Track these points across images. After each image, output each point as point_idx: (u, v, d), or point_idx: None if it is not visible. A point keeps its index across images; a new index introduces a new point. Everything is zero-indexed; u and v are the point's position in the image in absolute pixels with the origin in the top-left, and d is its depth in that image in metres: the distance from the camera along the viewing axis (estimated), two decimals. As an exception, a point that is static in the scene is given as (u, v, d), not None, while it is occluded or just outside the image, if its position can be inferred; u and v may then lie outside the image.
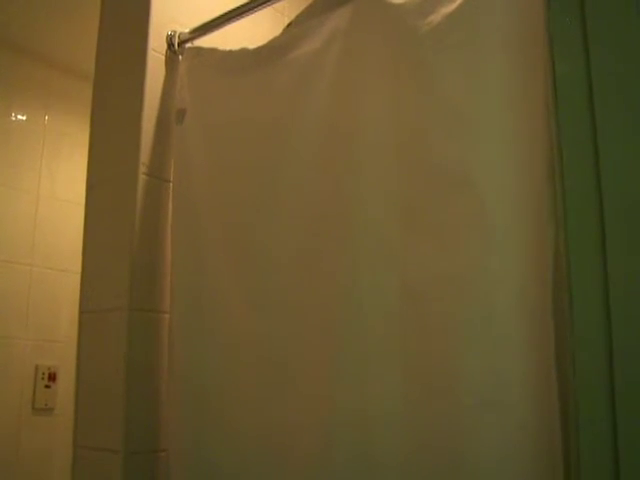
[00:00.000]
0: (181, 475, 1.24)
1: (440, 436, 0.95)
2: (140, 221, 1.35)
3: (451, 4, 1.04)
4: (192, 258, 1.33)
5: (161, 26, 1.44)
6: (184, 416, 1.27)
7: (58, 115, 2.29)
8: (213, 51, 1.43)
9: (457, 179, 0.99)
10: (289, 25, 1.38)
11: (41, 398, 2.12)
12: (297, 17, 1.36)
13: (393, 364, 1.01)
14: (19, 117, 2.22)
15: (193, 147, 1.38)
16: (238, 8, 1.37)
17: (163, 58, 1.44)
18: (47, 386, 2.13)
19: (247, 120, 1.32)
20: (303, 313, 1.15)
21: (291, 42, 1.29)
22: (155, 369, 1.34)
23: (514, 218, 0.95)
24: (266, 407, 1.15)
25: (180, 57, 1.46)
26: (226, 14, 1.39)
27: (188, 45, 1.45)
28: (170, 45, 1.45)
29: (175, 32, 1.45)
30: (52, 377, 2.14)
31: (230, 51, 1.40)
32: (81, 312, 1.42)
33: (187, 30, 1.45)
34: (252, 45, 1.37)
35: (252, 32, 1.53)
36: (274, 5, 1.42)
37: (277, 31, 1.39)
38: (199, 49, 1.45)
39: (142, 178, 1.36)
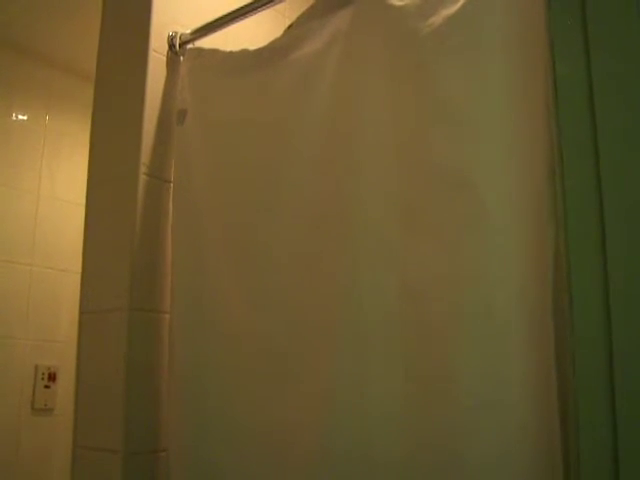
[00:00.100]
0: (181, 475, 1.24)
1: (439, 435, 0.95)
2: (140, 221, 1.35)
3: (452, 6, 1.04)
4: (192, 258, 1.34)
5: (162, 27, 1.44)
6: (184, 416, 1.27)
7: (59, 115, 2.29)
8: (214, 52, 1.43)
9: (457, 180, 0.99)
10: (290, 27, 1.38)
11: (41, 398, 2.11)
12: (298, 19, 1.36)
13: (393, 363, 1.01)
14: (20, 117, 2.22)
15: (194, 148, 1.39)
16: (239, 9, 1.38)
17: (164, 59, 1.45)
18: (47, 386, 2.13)
19: (248, 121, 1.32)
20: (303, 313, 1.15)
21: (292, 43, 1.30)
22: (155, 369, 1.34)
23: (514, 218, 0.95)
24: (266, 407, 1.16)
25: (181, 58, 1.47)
26: (227, 15, 1.40)
27: (189, 46, 1.46)
28: (171, 46, 1.45)
29: (176, 33, 1.45)
30: (52, 377, 2.14)
31: (231, 52, 1.40)
32: (81, 312, 1.42)
33: (188, 31, 1.45)
34: (253, 46, 1.37)
35: (253, 33, 1.54)
36: (275, 7, 1.43)
37: (278, 32, 1.39)
38: (200, 50, 1.45)
39: (143, 178, 1.36)
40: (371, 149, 1.11)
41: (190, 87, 1.43)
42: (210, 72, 1.42)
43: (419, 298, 1.01)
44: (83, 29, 1.76)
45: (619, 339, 0.73)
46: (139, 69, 1.41)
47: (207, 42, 1.45)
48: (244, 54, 1.38)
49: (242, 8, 1.37)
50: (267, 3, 1.34)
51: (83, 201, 1.48)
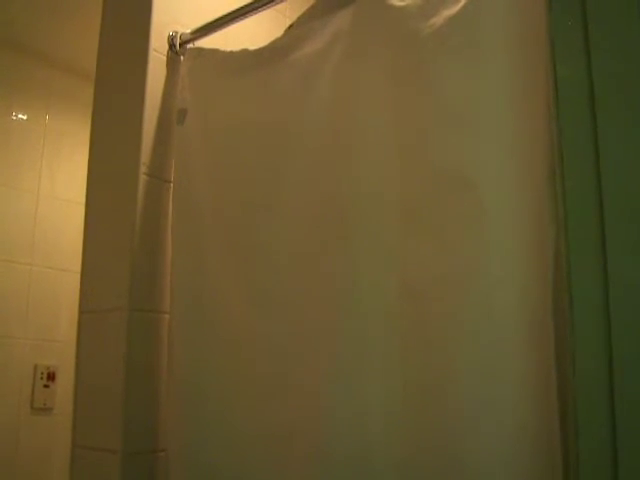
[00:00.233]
0: (180, 475, 1.24)
1: (439, 436, 0.95)
2: (140, 221, 1.35)
3: (453, 7, 1.04)
4: (192, 258, 1.34)
5: (162, 27, 1.44)
6: (183, 416, 1.27)
7: (59, 114, 2.29)
8: (214, 52, 1.43)
9: (458, 180, 0.99)
10: (290, 26, 1.38)
11: (40, 398, 2.11)
12: (298, 18, 1.36)
13: (393, 364, 1.01)
14: (20, 116, 2.22)
15: (194, 147, 1.39)
16: (239, 9, 1.38)
17: (164, 59, 1.45)
18: (46, 386, 2.13)
19: (248, 121, 1.32)
20: (303, 313, 1.15)
21: (293, 43, 1.30)
22: (154, 369, 1.34)
23: (515, 219, 0.95)
24: (265, 407, 1.16)
25: (181, 58, 1.47)
26: (227, 15, 1.39)
27: (189, 46, 1.46)
28: (171, 46, 1.45)
29: (176, 33, 1.45)
30: (51, 377, 2.14)
31: (231, 52, 1.40)
32: (81, 312, 1.42)
33: (188, 31, 1.45)
34: (253, 46, 1.37)
35: (253, 33, 1.54)
36: (276, 6, 1.43)
37: (278, 32, 1.39)
38: (200, 50, 1.45)
39: (143, 178, 1.36)
40: (371, 149, 1.11)
41: (190, 87, 1.43)
42: (210, 72, 1.42)
43: (419, 298, 1.01)
44: (83, 29, 1.76)
45: (619, 339, 0.73)
46: (139, 69, 1.41)
47: (207, 42, 1.45)
48: (244, 54, 1.38)
49: (242, 8, 1.37)
50: (268, 3, 1.34)
51: (83, 200, 1.48)
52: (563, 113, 0.82)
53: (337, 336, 1.08)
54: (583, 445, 0.75)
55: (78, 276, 1.43)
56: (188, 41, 1.45)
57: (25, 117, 2.23)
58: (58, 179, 2.27)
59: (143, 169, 1.37)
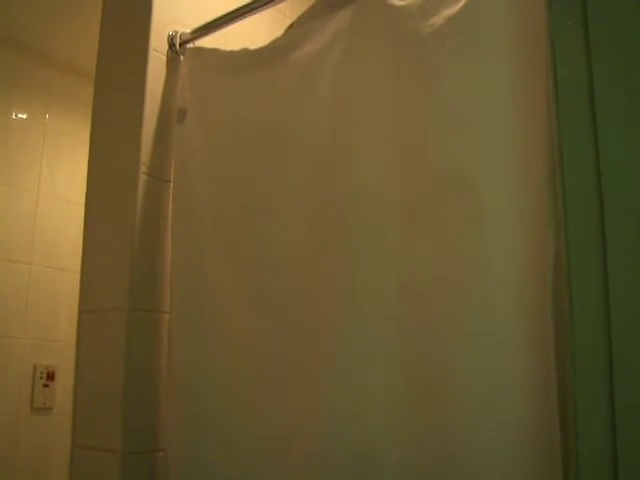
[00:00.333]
0: (180, 475, 1.24)
1: (439, 436, 0.95)
2: (140, 221, 1.35)
3: (453, 6, 1.04)
4: (192, 258, 1.34)
5: (162, 26, 1.44)
6: (183, 416, 1.27)
7: (59, 114, 2.29)
8: (214, 51, 1.43)
9: (458, 180, 0.99)
10: (290, 26, 1.38)
11: (39, 397, 2.11)
12: (299, 18, 1.36)
13: (392, 364, 1.01)
14: (19, 116, 2.22)
15: (194, 147, 1.39)
16: (239, 9, 1.38)
17: (164, 58, 1.45)
18: (45, 385, 2.13)
19: (248, 120, 1.32)
20: (303, 313, 1.15)
21: (293, 43, 1.30)
22: (154, 369, 1.34)
23: (515, 219, 0.95)
24: (265, 407, 1.16)
25: (181, 57, 1.46)
26: (227, 15, 1.39)
27: (189, 45, 1.46)
28: (171, 45, 1.45)
29: (176, 32, 1.45)
30: (51, 376, 2.14)
31: (231, 51, 1.40)
32: (80, 312, 1.42)
33: (188, 30, 1.45)
34: (253, 46, 1.37)
35: (253, 33, 1.54)
36: (276, 6, 1.43)
37: (278, 32, 1.39)
38: (200, 49, 1.45)
39: (142, 178, 1.36)
40: (371, 149, 1.11)
41: (190, 86, 1.43)
42: (210, 71, 1.42)
43: (419, 299, 1.01)
44: (83, 28, 1.76)
45: (619, 339, 0.73)
46: (139, 68, 1.41)
47: (207, 41, 1.45)
48: (244, 53, 1.38)
49: (242, 7, 1.37)
50: (267, 2, 1.34)
51: (83, 200, 1.48)
52: (563, 113, 0.82)
53: (337, 336, 1.08)
54: (583, 445, 0.75)
55: (78, 276, 1.43)
56: (188, 41, 1.45)
57: (25, 116, 2.23)
58: (58, 178, 2.27)
59: (143, 169, 1.37)
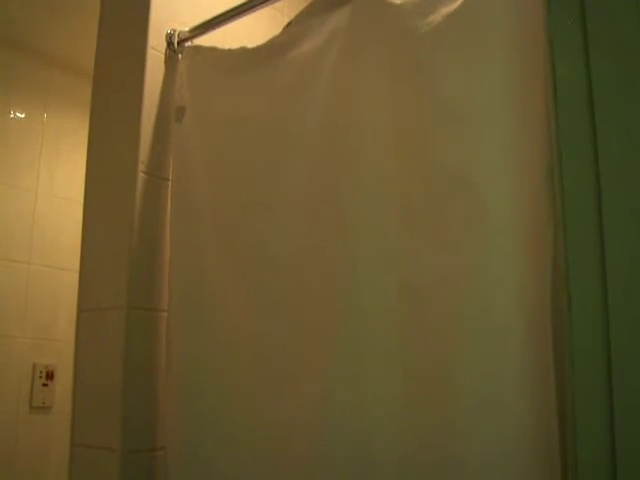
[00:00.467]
0: (179, 473, 1.24)
1: (438, 435, 0.95)
2: (139, 219, 1.35)
3: (451, 4, 1.04)
4: (191, 256, 1.33)
5: (161, 24, 1.44)
6: (182, 414, 1.27)
7: (57, 113, 2.29)
8: (212, 50, 1.43)
9: (456, 179, 0.99)
10: (289, 24, 1.38)
11: (39, 396, 2.11)
12: (297, 16, 1.35)
13: (392, 363, 1.01)
14: (18, 115, 2.21)
15: (192, 145, 1.38)
16: (238, 7, 1.37)
17: (162, 57, 1.44)
18: (45, 384, 2.13)
19: (246, 118, 1.32)
20: (302, 312, 1.15)
21: (291, 41, 1.29)
22: (153, 368, 1.34)
23: (513, 218, 0.95)
24: (264, 405, 1.15)
25: (180, 56, 1.46)
26: (226, 13, 1.39)
27: (188, 44, 1.45)
28: (170, 44, 1.45)
29: (175, 31, 1.45)
30: (50, 375, 2.14)
31: (229, 50, 1.40)
32: (79, 310, 1.42)
33: (187, 29, 1.45)
34: (251, 44, 1.37)
35: (251, 31, 1.54)
36: (274, 4, 1.42)
37: (276, 30, 1.38)
38: (198, 48, 1.45)
39: (141, 176, 1.36)
40: (370, 147, 1.10)
41: (188, 85, 1.43)
42: (209, 70, 1.42)
43: (418, 298, 1.01)
44: (82, 27, 1.76)
45: (617, 339, 0.73)
46: (137, 67, 1.40)
47: (206, 40, 1.45)
48: (243, 52, 1.38)
49: (241, 6, 1.37)
50: (266, 1, 1.34)
51: (81, 199, 1.48)
52: (562, 112, 0.82)
53: (336, 335, 1.08)
54: (581, 445, 0.75)
55: (76, 275, 1.43)
56: (186, 39, 1.45)
57: (23, 115, 2.23)
58: (56, 177, 2.26)
59: (141, 167, 1.37)
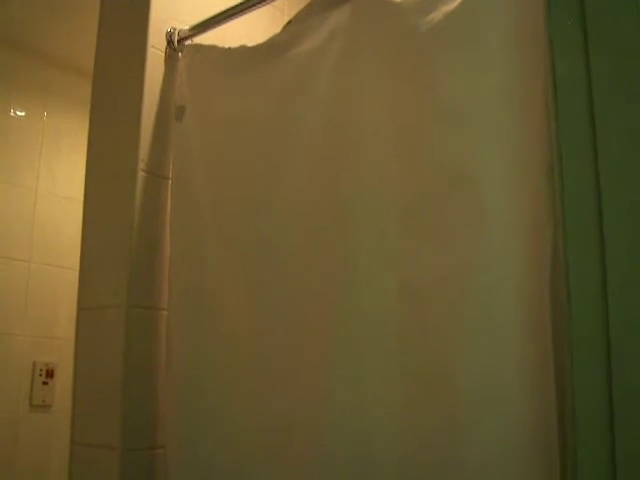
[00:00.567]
0: (179, 471, 1.24)
1: (438, 433, 0.95)
2: (139, 218, 1.35)
3: (452, 2, 1.04)
4: (191, 255, 1.34)
5: (161, 23, 1.44)
6: (182, 413, 1.27)
7: (57, 112, 2.29)
8: (212, 48, 1.43)
9: (457, 178, 0.99)
10: (289, 23, 1.38)
11: (39, 395, 2.11)
12: (296, 15, 1.35)
13: (392, 361, 1.01)
14: (18, 113, 2.21)
15: (192, 144, 1.38)
16: (237, 6, 1.37)
17: (163, 55, 1.45)
18: (45, 383, 2.13)
19: (246, 117, 1.32)
20: (301, 310, 1.15)
21: (291, 40, 1.29)
22: (153, 366, 1.34)
23: (513, 216, 0.95)
24: (264, 403, 1.16)
25: (179, 54, 1.46)
26: (226, 11, 1.39)
27: (188, 42, 1.46)
28: (170, 42, 1.45)
29: (175, 29, 1.45)
30: (50, 374, 2.14)
31: (229, 48, 1.40)
32: (79, 309, 1.42)
33: (187, 27, 1.45)
34: (251, 43, 1.37)
35: (251, 30, 1.54)
36: (273, 3, 1.42)
37: (276, 29, 1.38)
38: (198, 46, 1.45)
39: (141, 175, 1.36)
40: (370, 146, 1.11)
41: (188, 83, 1.43)
42: (208, 68, 1.42)
43: (418, 296, 1.01)
44: (82, 26, 1.76)
45: (617, 334, 0.73)
46: (137, 65, 1.40)
47: (206, 38, 1.45)
48: (243, 50, 1.38)
49: (240, 4, 1.37)
50: (265, 0, 1.34)
51: (81, 198, 1.48)
52: (562, 111, 0.83)
53: (336, 333, 1.08)
54: (581, 439, 0.75)
55: (76, 273, 1.43)
56: (186, 38, 1.45)
57: (23, 114, 2.23)
58: (56, 176, 2.26)
59: (141, 166, 1.37)
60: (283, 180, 1.23)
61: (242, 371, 1.21)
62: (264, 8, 1.43)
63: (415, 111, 1.07)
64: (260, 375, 1.18)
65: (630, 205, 0.75)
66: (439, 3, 1.06)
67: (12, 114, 2.20)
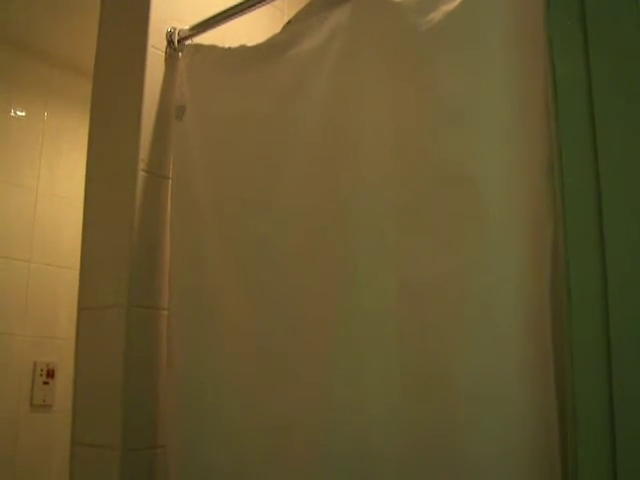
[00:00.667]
0: (179, 471, 1.24)
1: (438, 431, 0.95)
2: (139, 218, 1.35)
3: (452, 2, 1.04)
4: (191, 254, 1.34)
5: (161, 23, 1.44)
6: (182, 412, 1.27)
7: (58, 111, 2.29)
8: (212, 48, 1.43)
9: (456, 177, 0.99)
10: (289, 23, 1.38)
11: (39, 395, 2.11)
12: (296, 15, 1.36)
13: (391, 360, 1.01)
14: (18, 113, 2.21)
15: (192, 144, 1.39)
16: (237, 5, 1.38)
17: (163, 55, 1.45)
18: (45, 382, 2.13)
19: (246, 116, 1.32)
20: (301, 309, 1.15)
21: (291, 39, 1.30)
22: (153, 366, 1.34)
23: (513, 216, 0.95)
24: (264, 402, 1.16)
25: (180, 54, 1.46)
26: (226, 11, 1.39)
27: (188, 42, 1.46)
28: (170, 42, 1.45)
29: (175, 29, 1.45)
30: (50, 374, 2.14)
31: (229, 48, 1.40)
32: (80, 309, 1.42)
33: (187, 27, 1.45)
34: (251, 43, 1.37)
35: (251, 30, 1.54)
36: (273, 3, 1.43)
37: (276, 29, 1.39)
38: (199, 46, 1.45)
39: (141, 174, 1.36)
40: (370, 145, 1.11)
41: (189, 83, 1.43)
42: (209, 68, 1.42)
43: (417, 295, 1.01)
44: (83, 26, 1.76)
45: (617, 333, 0.73)
46: (137, 65, 1.40)
47: (206, 38, 1.45)
48: (243, 50, 1.38)
49: (240, 4, 1.37)
50: (265, 0, 1.34)
51: (82, 197, 1.48)
52: (562, 110, 0.83)
53: (336, 333, 1.08)
54: (581, 438, 0.75)
55: (77, 273, 1.43)
56: (186, 37, 1.45)
57: (24, 114, 2.23)
58: (57, 176, 2.26)
59: (142, 165, 1.37)
60: (283, 180, 1.23)
61: (242, 370, 1.21)
62: (264, 8, 1.43)
63: (415, 111, 1.07)
64: (260, 375, 1.18)
65: (630, 205, 0.75)
66: (439, 3, 1.06)
67: (12, 114, 2.20)
